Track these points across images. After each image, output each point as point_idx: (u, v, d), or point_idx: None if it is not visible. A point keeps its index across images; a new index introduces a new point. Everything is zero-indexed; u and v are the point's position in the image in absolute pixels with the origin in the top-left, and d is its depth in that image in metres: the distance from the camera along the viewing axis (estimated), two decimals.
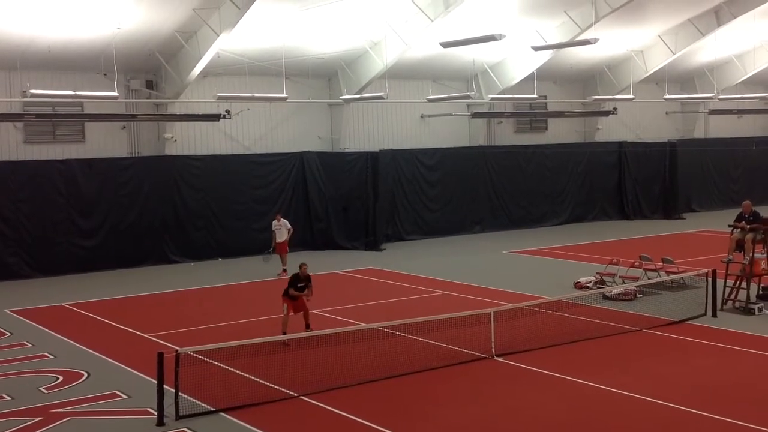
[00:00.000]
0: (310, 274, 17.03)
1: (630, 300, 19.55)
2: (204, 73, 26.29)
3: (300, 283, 16.69)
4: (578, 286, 21.36)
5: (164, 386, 12.15)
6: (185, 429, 12.00)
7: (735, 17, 31.59)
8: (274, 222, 25.12)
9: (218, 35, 23.45)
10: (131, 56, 25.06)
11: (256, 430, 11.93)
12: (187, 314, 19.88)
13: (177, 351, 12.62)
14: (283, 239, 24.83)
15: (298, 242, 28.61)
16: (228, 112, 26.52)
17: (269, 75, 27.66)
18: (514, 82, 32.62)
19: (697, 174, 39.88)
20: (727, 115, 40.31)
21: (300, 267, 16.91)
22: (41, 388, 13.91)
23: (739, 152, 40.72)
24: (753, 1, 30.81)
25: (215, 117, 26.46)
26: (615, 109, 35.40)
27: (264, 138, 30.04)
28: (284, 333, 15.95)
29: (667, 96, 35.98)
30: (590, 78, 37.14)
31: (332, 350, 15.09)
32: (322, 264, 25.34)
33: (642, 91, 36.75)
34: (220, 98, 25.58)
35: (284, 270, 24.19)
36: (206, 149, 28.75)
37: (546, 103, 36.38)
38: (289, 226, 25.07)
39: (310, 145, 30.57)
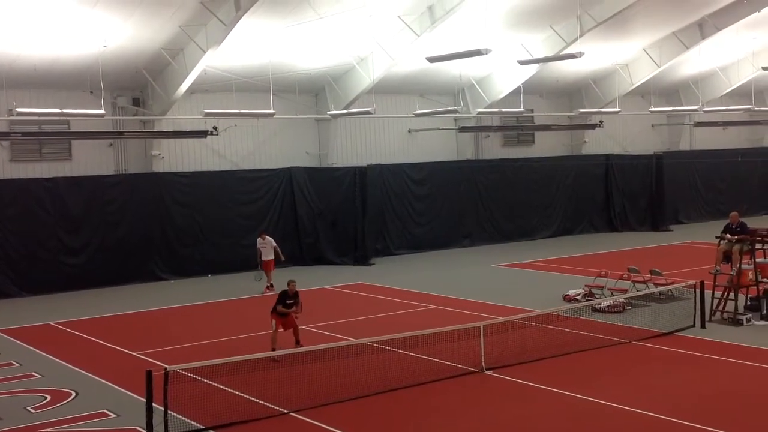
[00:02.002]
0: (299, 290, 17.02)
1: (619, 312, 19.57)
2: (191, 90, 26.28)
3: (288, 300, 16.68)
4: (567, 298, 21.39)
5: (153, 404, 12.07)
6: None
7: (719, 30, 31.84)
8: (259, 240, 25.06)
9: (205, 52, 23.46)
10: (118, 74, 25.03)
11: None
12: (175, 332, 19.78)
13: (166, 369, 12.54)
14: (270, 257, 24.77)
15: (286, 258, 28.56)
16: (215, 128, 26.52)
17: (256, 91, 27.68)
18: (501, 96, 32.75)
19: (684, 186, 40.11)
20: (712, 127, 40.57)
21: (288, 284, 16.90)
22: (29, 408, 13.80)
23: (725, 164, 40.95)
24: (736, 13, 31.06)
25: (202, 133, 26.44)
26: (601, 122, 35.58)
27: (252, 154, 30.03)
28: (273, 349, 15.90)
29: (653, 109, 36.19)
30: (576, 91, 37.33)
31: (322, 366, 15.04)
32: (311, 279, 25.31)
33: (628, 104, 36.97)
34: (208, 115, 25.56)
35: (268, 286, 24.16)
36: (194, 166, 28.70)
37: (533, 116, 36.50)
38: (274, 243, 24.98)
39: (297, 160, 30.57)
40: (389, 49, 26.83)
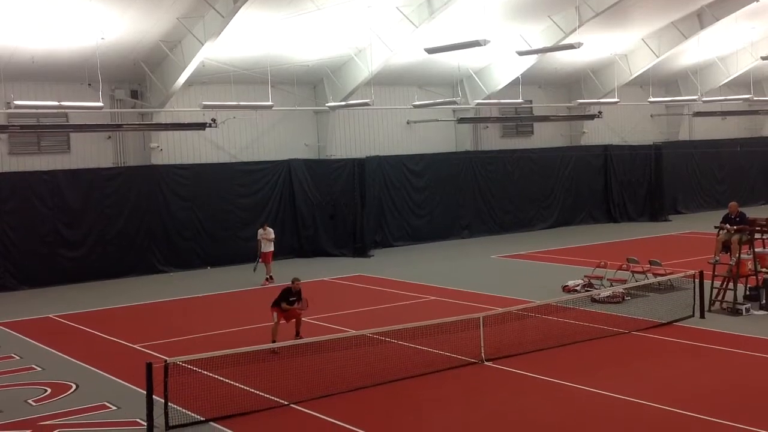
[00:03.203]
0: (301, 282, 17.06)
1: (618, 302, 19.59)
2: (189, 82, 26.23)
3: (291, 297, 16.67)
4: (566, 289, 21.40)
5: (153, 397, 12.09)
6: None
7: (717, 20, 31.78)
8: (260, 231, 25.03)
9: (203, 44, 23.41)
10: (116, 66, 24.97)
11: None
12: (175, 324, 19.80)
13: (166, 361, 12.56)
14: (269, 249, 24.77)
15: (286, 250, 28.65)
16: (214, 120, 26.47)
17: (255, 83, 27.64)
18: (500, 87, 32.71)
19: (683, 176, 40.12)
20: (711, 117, 40.55)
21: (292, 282, 16.87)
22: (29, 401, 13.82)
23: (723, 154, 40.96)
24: (735, 3, 31.02)
25: (201, 126, 26.39)
26: (600, 112, 35.54)
27: (250, 146, 30.00)
28: (274, 341, 15.92)
29: (652, 99, 36.16)
30: (575, 82, 37.28)
31: (322, 358, 15.06)
32: (310, 271, 25.32)
33: (626, 95, 36.93)
34: (206, 107, 25.52)
35: (268, 278, 24.18)
36: (192, 158, 28.67)
37: (531, 107, 36.48)
38: (272, 235, 24.95)
39: (296, 152, 30.55)
40: (387, 40, 26.77)
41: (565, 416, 12.38)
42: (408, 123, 33.49)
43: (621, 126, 39.84)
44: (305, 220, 30.04)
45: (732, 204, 20.01)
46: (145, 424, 12.09)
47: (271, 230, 25.08)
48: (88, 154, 27.05)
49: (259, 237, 24.97)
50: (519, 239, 32.80)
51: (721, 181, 41.65)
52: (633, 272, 21.79)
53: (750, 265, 19.07)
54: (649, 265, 21.78)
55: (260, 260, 24.65)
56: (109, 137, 27.38)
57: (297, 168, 29.90)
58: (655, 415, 12.18)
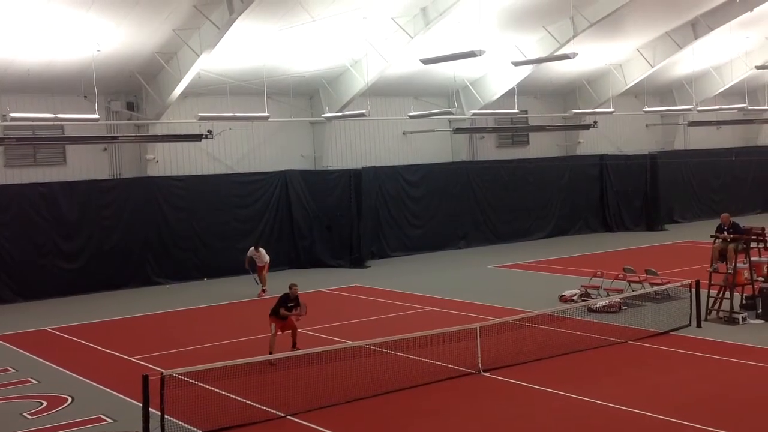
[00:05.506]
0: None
1: (615, 312, 19.60)
2: (185, 94, 26.25)
3: (290, 303, 16.66)
4: (563, 299, 21.41)
5: (150, 409, 12.06)
6: None
7: (712, 29, 31.92)
8: (252, 250, 24.72)
9: (199, 56, 23.45)
10: (111, 78, 25.01)
11: None
12: (171, 336, 19.77)
13: (162, 373, 12.52)
14: (263, 264, 24.64)
15: (283, 261, 28.64)
16: (210, 132, 26.49)
17: (251, 94, 27.65)
18: (495, 97, 32.78)
19: (679, 185, 40.20)
20: (706, 126, 40.66)
21: (290, 287, 16.87)
22: (25, 414, 13.77)
23: (719, 163, 41.05)
24: (729, 13, 31.15)
25: (197, 137, 26.41)
26: (595, 122, 35.63)
27: (247, 157, 30.01)
28: (271, 352, 15.89)
29: (647, 108, 36.22)
30: (570, 92, 37.38)
31: (319, 369, 15.03)
32: (307, 282, 25.23)
33: (622, 104, 37.01)
34: (202, 118, 25.54)
35: (264, 290, 24.10)
36: (189, 170, 28.68)
37: (527, 117, 36.56)
38: (267, 258, 24.62)
39: (292, 163, 30.57)
40: (383, 51, 26.84)
41: (563, 426, 12.36)
42: (404, 133, 33.53)
43: (616, 136, 39.94)
44: (302, 231, 30.03)
45: (724, 215, 20.13)
46: None
47: (263, 252, 24.62)
48: (84, 166, 27.04)
49: (249, 254, 24.75)
50: (515, 249, 32.81)
51: (717, 190, 41.72)
52: (629, 282, 21.79)
53: (746, 274, 19.09)
54: (645, 275, 21.80)
55: (256, 274, 24.59)
56: (105, 149, 27.36)
57: (293, 179, 29.91)
58: (652, 424, 12.17)
